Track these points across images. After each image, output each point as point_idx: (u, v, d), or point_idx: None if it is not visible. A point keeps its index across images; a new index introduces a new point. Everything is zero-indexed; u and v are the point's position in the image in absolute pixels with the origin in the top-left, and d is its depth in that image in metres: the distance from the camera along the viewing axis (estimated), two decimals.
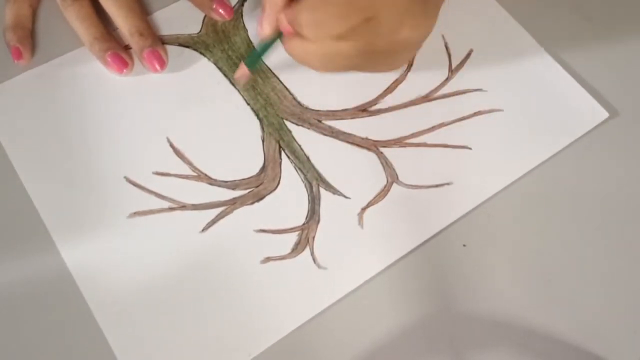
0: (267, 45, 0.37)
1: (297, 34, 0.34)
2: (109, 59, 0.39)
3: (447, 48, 0.42)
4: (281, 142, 0.38)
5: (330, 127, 0.39)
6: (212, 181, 0.37)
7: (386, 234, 0.36)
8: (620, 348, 0.34)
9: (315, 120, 0.39)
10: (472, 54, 0.42)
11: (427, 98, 0.40)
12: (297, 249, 0.35)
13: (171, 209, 0.36)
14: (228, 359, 0.32)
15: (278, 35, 0.36)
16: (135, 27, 0.39)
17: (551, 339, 0.34)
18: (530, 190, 0.38)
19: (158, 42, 0.40)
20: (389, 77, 0.41)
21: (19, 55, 0.39)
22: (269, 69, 0.41)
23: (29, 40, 0.40)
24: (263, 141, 0.38)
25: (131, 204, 0.36)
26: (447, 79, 0.41)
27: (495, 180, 0.38)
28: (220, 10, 0.41)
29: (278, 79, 0.40)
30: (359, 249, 0.35)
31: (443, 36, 0.42)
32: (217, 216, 0.36)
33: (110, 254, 0.34)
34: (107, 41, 0.39)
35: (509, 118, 0.40)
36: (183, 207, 0.36)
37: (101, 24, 0.40)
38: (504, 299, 0.35)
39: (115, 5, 0.39)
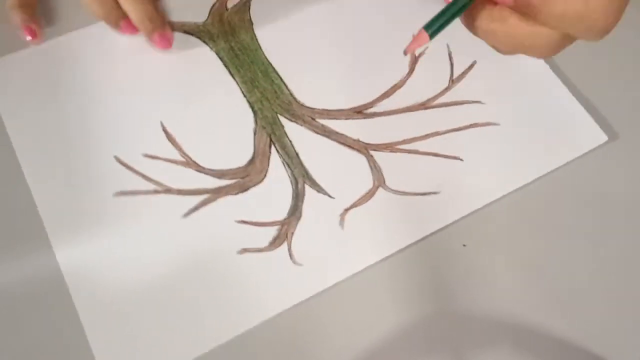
0: (455, 11, 0.28)
1: (515, 9, 0.26)
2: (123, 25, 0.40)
3: (450, 57, 0.42)
4: (272, 136, 0.39)
5: (323, 125, 0.39)
6: (199, 168, 0.37)
7: (366, 237, 0.36)
8: (620, 348, 0.34)
9: (309, 117, 0.39)
10: (475, 66, 0.42)
11: (424, 105, 0.40)
12: (275, 242, 0.35)
13: (156, 191, 0.36)
14: (194, 343, 0.32)
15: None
16: (145, 12, 0.40)
17: (551, 339, 0.34)
18: (531, 191, 0.38)
19: (166, 25, 0.41)
20: (388, 81, 0.41)
21: (33, 33, 0.39)
22: (270, 63, 0.41)
23: (37, 17, 0.40)
24: (255, 133, 0.39)
25: (118, 183, 0.36)
26: (447, 89, 0.41)
27: (482, 193, 0.37)
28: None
29: (277, 74, 0.41)
30: (337, 249, 0.35)
31: (448, 45, 0.42)
32: (200, 203, 0.36)
33: (92, 230, 0.35)
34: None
35: (505, 133, 0.39)
36: (168, 190, 0.36)
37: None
38: (503, 299, 0.35)
39: None
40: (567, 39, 0.27)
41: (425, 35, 0.28)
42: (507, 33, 0.26)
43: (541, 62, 0.42)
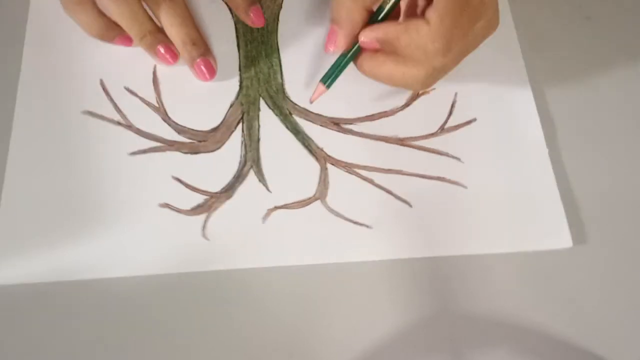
0: (345, 62, 0.37)
1: (384, 53, 0.35)
2: (161, 51, 0.39)
3: (452, 106, 0.40)
4: (245, 115, 0.39)
5: (296, 123, 0.39)
6: (166, 117, 0.39)
7: (278, 240, 0.35)
8: (620, 348, 0.34)
9: (287, 111, 0.39)
10: (473, 123, 0.40)
11: (401, 142, 0.39)
12: (196, 210, 0.36)
13: (119, 123, 0.38)
14: (78, 274, 0.34)
15: (356, 51, 0.36)
16: (188, 36, 0.39)
17: (551, 339, 0.34)
18: None
19: (209, 50, 0.40)
20: (380, 106, 0.40)
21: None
22: (278, 48, 0.41)
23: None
24: (230, 106, 0.39)
25: (91, 103, 0.38)
26: (433, 134, 0.39)
27: (414, 245, 0.36)
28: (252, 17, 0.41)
29: (279, 60, 0.41)
30: (248, 240, 0.35)
31: (456, 94, 0.40)
32: (150, 148, 0.37)
33: (47, 135, 0.37)
34: (158, 33, 0.39)
35: (468, 199, 0.37)
36: (129, 127, 0.38)
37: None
38: (504, 299, 0.35)
39: (169, 13, 0.38)
40: (431, 78, 0.35)
41: (323, 86, 0.37)
42: (385, 73, 0.35)
43: (543, 145, 0.39)
